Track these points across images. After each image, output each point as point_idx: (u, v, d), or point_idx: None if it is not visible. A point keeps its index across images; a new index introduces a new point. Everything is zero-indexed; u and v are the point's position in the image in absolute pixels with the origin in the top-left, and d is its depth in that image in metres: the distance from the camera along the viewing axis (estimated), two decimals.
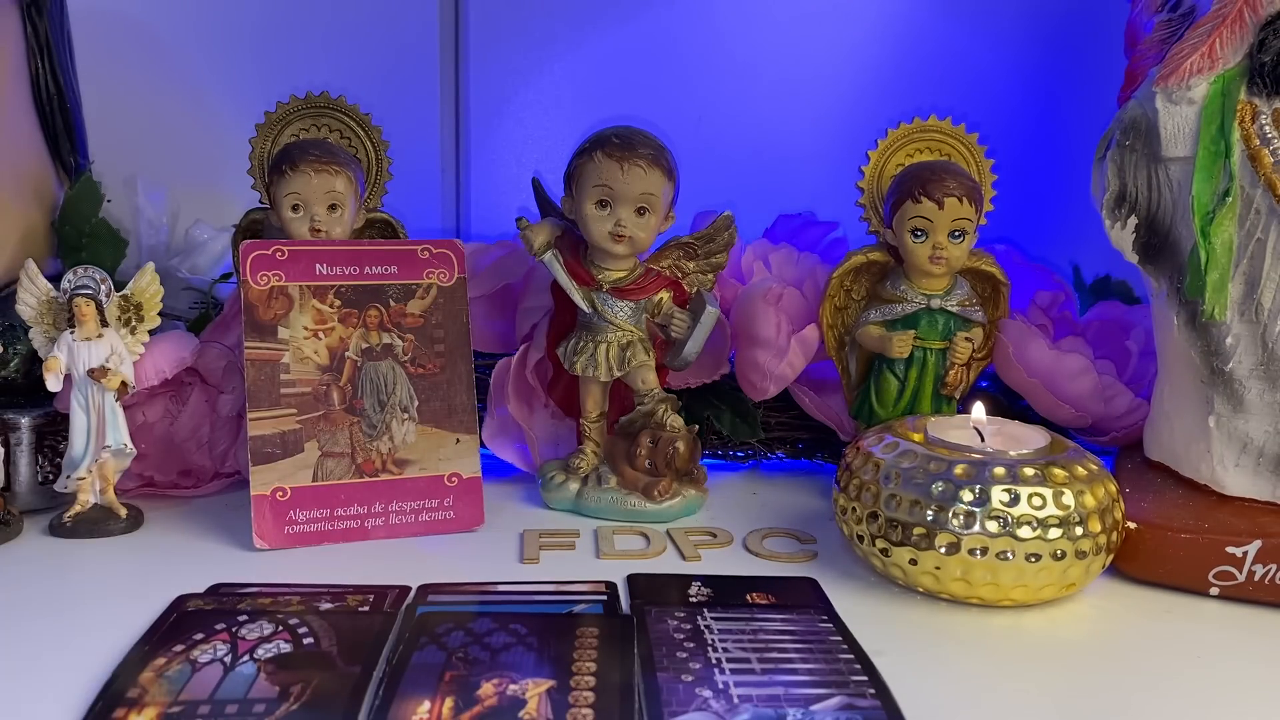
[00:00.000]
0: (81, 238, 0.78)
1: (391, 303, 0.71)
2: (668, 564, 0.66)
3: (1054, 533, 0.58)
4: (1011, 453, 0.61)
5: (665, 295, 0.74)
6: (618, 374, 0.74)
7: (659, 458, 0.73)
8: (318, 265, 0.70)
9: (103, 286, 0.68)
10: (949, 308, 0.75)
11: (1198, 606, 0.62)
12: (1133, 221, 0.67)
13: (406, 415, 0.70)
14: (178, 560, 0.65)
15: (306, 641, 0.52)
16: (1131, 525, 0.63)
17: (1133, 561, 0.63)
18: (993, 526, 0.58)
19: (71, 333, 0.67)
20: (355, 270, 0.71)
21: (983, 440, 0.64)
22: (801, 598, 0.60)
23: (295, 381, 0.68)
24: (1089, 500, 0.59)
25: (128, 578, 0.62)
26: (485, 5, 1.00)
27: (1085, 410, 0.79)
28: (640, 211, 0.70)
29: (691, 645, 0.53)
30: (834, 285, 0.78)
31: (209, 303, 0.85)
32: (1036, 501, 0.58)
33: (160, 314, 0.70)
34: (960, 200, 0.72)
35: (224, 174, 0.90)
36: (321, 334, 0.69)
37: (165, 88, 0.97)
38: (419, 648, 0.51)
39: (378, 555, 0.66)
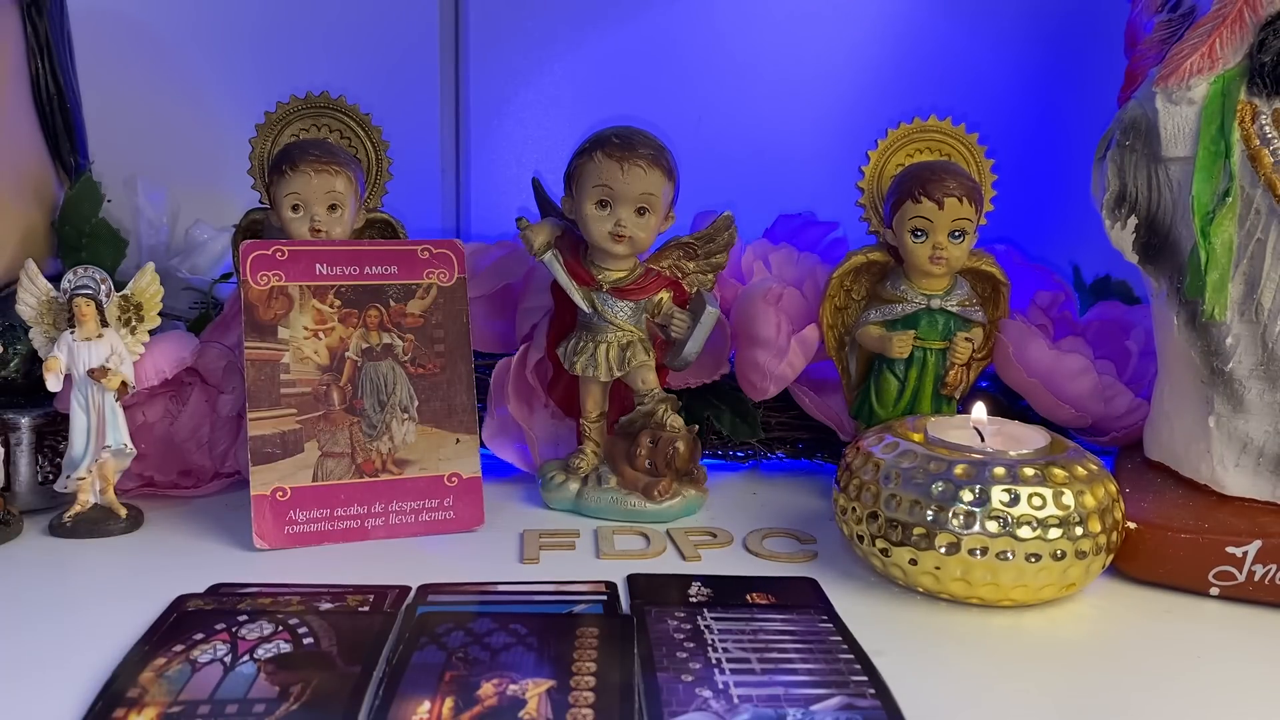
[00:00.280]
0: (81, 238, 0.78)
1: (391, 303, 0.71)
2: (668, 564, 0.66)
3: (1054, 533, 0.58)
4: (1011, 453, 0.61)
5: (665, 295, 0.74)
6: (618, 374, 0.74)
7: (659, 458, 0.73)
8: (318, 265, 0.70)
9: (103, 286, 0.68)
10: (949, 308, 0.75)
11: (1198, 606, 0.62)
12: (1133, 221, 0.67)
13: (406, 415, 0.70)
14: (178, 560, 0.65)
15: (306, 641, 0.52)
16: (1131, 525, 0.63)
17: (1133, 561, 0.63)
18: (993, 526, 0.58)
19: (71, 333, 0.67)
20: (355, 270, 0.71)
21: (983, 440, 0.64)
22: (801, 598, 0.60)
23: (295, 381, 0.68)
24: (1089, 500, 0.59)
25: (128, 578, 0.63)
26: (485, 5, 1.00)
27: (1085, 410, 0.79)
28: (640, 211, 0.70)
29: (691, 645, 0.53)
30: (834, 285, 0.78)
31: (209, 303, 0.85)
32: (1036, 501, 0.58)
33: (160, 314, 0.70)
34: (960, 200, 0.72)
35: (224, 174, 0.90)
36: (321, 334, 0.69)
37: (165, 88, 0.97)
38: (419, 648, 0.51)
39: (378, 555, 0.66)
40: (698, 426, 0.76)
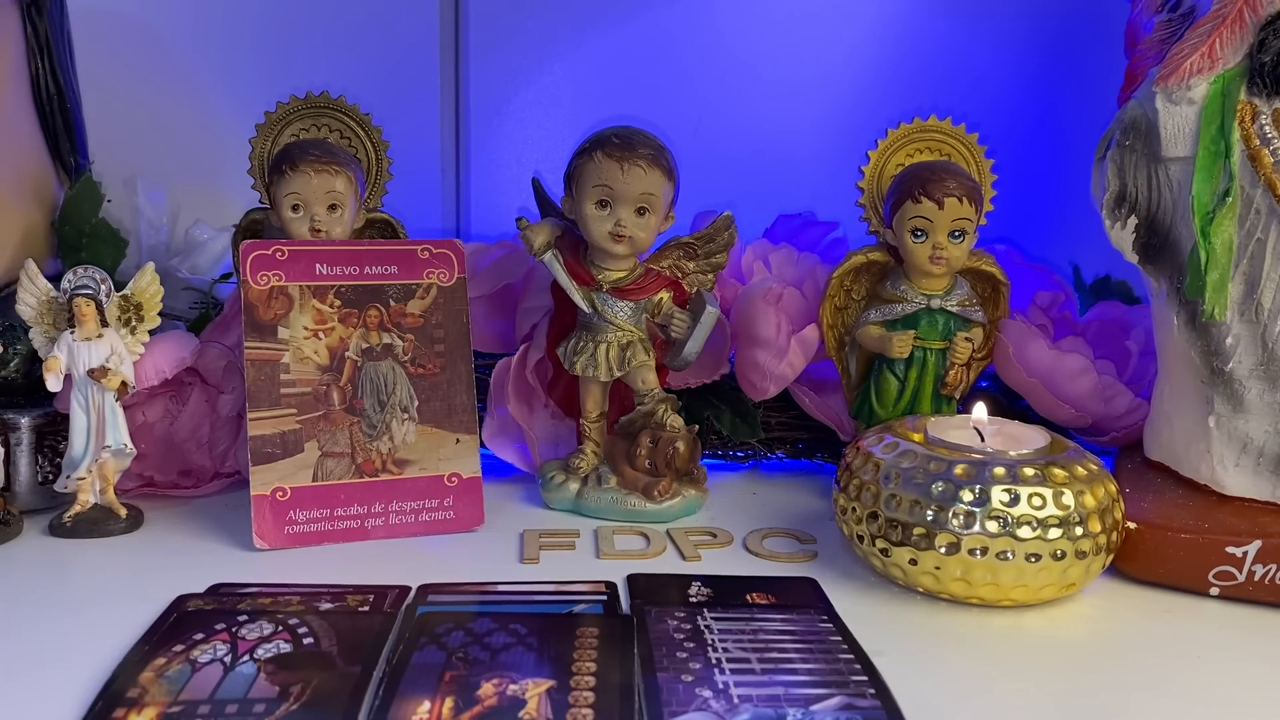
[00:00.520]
0: (81, 238, 0.78)
1: (391, 303, 0.71)
2: (668, 564, 0.66)
3: (1054, 533, 0.58)
4: (1011, 453, 0.61)
5: (665, 295, 0.74)
6: (618, 374, 0.74)
7: (659, 458, 0.73)
8: (318, 265, 0.70)
9: (103, 286, 0.68)
10: (949, 308, 0.75)
11: (1198, 606, 0.62)
12: (1133, 221, 0.67)
13: (406, 415, 0.70)
14: (178, 560, 0.65)
15: (306, 641, 0.52)
16: (1131, 525, 0.63)
17: (1133, 561, 0.63)
18: (993, 526, 0.58)
19: (71, 333, 0.67)
20: (355, 270, 0.71)
21: (983, 440, 0.64)
22: (801, 598, 0.60)
23: (295, 381, 0.68)
24: (1089, 500, 0.59)
25: (128, 578, 0.62)
26: (485, 5, 1.00)
27: (1085, 410, 0.79)
28: (640, 211, 0.70)
29: (691, 645, 0.53)
30: (834, 285, 0.78)
31: (209, 303, 0.85)
32: (1036, 501, 0.58)
33: (160, 314, 0.70)
34: (960, 200, 0.72)
35: (224, 174, 0.90)
36: (321, 334, 0.69)
37: (165, 88, 0.97)
38: (419, 648, 0.51)
39: (378, 555, 0.66)
40: (698, 426, 0.76)
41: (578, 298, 0.73)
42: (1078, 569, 0.59)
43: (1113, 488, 0.61)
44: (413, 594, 0.59)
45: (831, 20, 1.01)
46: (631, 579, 0.62)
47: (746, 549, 0.68)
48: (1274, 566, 0.61)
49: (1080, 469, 0.60)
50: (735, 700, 0.47)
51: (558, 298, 0.77)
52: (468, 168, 1.03)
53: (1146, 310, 0.78)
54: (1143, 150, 0.66)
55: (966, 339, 0.75)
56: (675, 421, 0.74)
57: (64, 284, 0.68)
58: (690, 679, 0.49)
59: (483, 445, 0.77)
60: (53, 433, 0.72)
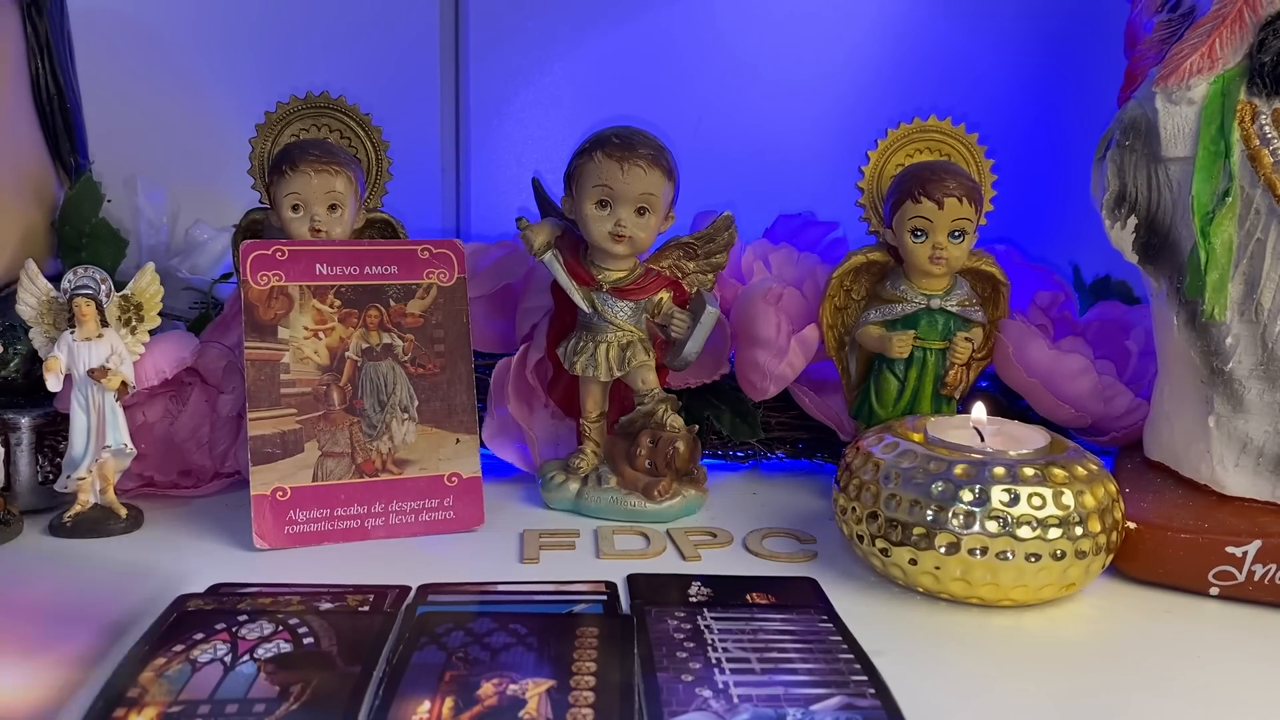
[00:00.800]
0: (81, 238, 0.78)
1: (391, 303, 0.71)
2: (668, 564, 0.66)
3: (1054, 533, 0.58)
4: (1011, 453, 0.61)
5: (665, 295, 0.74)
6: (618, 374, 0.74)
7: (659, 458, 0.73)
8: (318, 265, 0.70)
9: (103, 286, 0.68)
10: (949, 308, 0.75)
11: (1198, 606, 0.62)
12: (1132, 221, 0.67)
13: (406, 415, 0.70)
14: (178, 560, 0.65)
15: (306, 641, 0.52)
16: (1131, 525, 0.63)
17: (1132, 561, 0.63)
18: (992, 526, 0.58)
19: (71, 333, 0.67)
20: (355, 270, 0.71)
21: (982, 440, 0.64)
22: (801, 598, 0.60)
23: (295, 381, 0.68)
24: (1089, 500, 0.59)
25: (128, 578, 0.62)
26: (485, 5, 1.00)
27: (1085, 410, 0.79)
28: (640, 211, 0.70)
29: (691, 645, 0.53)
30: (834, 285, 0.78)
31: (209, 303, 0.85)
32: (1036, 501, 0.58)
33: (160, 314, 0.70)
34: (960, 200, 0.72)
35: (224, 174, 0.90)
36: (321, 334, 0.69)
37: (165, 88, 0.97)
38: (419, 648, 0.51)
39: (378, 555, 0.66)
40: (698, 426, 0.76)
41: (578, 298, 0.73)
42: (1077, 569, 0.59)
43: (1112, 488, 0.61)
44: (413, 594, 0.59)
45: (831, 20, 1.01)
46: (631, 579, 0.62)
47: (746, 549, 0.68)
48: (1274, 566, 0.61)
49: (1080, 469, 0.60)
50: (735, 700, 0.47)
51: (558, 298, 0.77)
52: (468, 168, 1.03)
53: (1146, 310, 0.78)
54: (1143, 150, 0.66)
55: (966, 339, 0.75)
56: (675, 421, 0.74)
57: (64, 284, 0.68)
58: (690, 679, 0.49)
59: (483, 445, 0.77)
60: (53, 433, 0.72)
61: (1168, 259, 0.66)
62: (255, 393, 0.67)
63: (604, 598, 0.59)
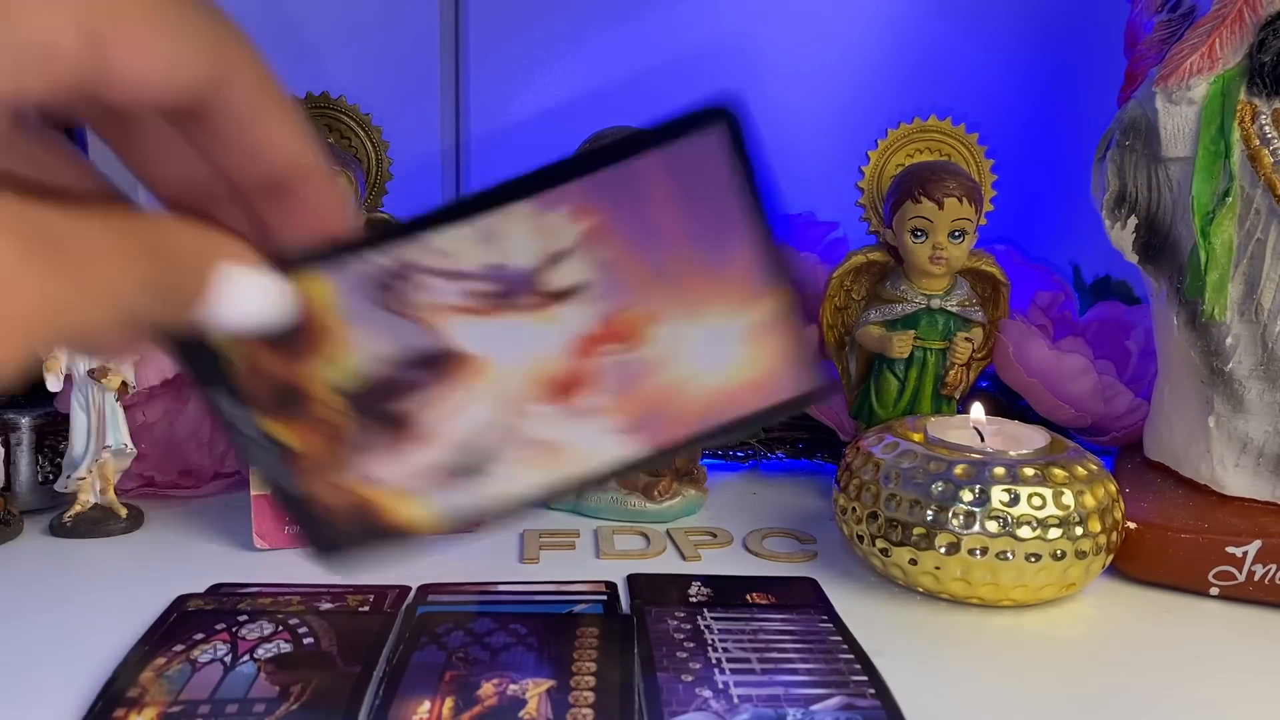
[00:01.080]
0: None
1: None
2: (668, 564, 0.66)
3: (1054, 533, 0.58)
4: (1011, 453, 0.61)
5: None
6: None
7: None
8: None
9: None
10: (949, 308, 0.75)
11: (1198, 607, 0.62)
12: (1132, 221, 0.67)
13: None
14: (178, 560, 0.65)
15: (306, 641, 0.52)
16: (1131, 525, 0.63)
17: (1132, 561, 0.63)
18: (992, 526, 0.58)
19: None
20: None
21: (982, 440, 0.64)
22: (801, 598, 0.60)
23: None
24: (1089, 500, 0.59)
25: (128, 578, 0.62)
26: (485, 5, 1.00)
27: (1085, 410, 0.79)
28: None
29: (691, 645, 0.53)
30: (834, 285, 0.78)
31: None
32: (1036, 501, 0.58)
33: None
34: (960, 200, 0.72)
35: None
36: None
37: None
38: (419, 648, 0.51)
39: None
40: None
41: None
42: (1077, 569, 0.59)
43: (1113, 488, 0.61)
44: (413, 594, 0.59)
45: (831, 19, 1.01)
46: (631, 579, 0.62)
47: (746, 549, 0.68)
48: (1274, 566, 0.61)
49: (1080, 469, 0.60)
50: (735, 700, 0.47)
51: None
52: (468, 168, 1.03)
53: (1146, 310, 0.78)
54: (1142, 150, 0.66)
55: (966, 339, 0.75)
56: None
57: None
58: (690, 679, 0.49)
59: None
60: (53, 433, 0.72)
61: (1168, 259, 0.66)
62: None
63: (604, 598, 0.59)
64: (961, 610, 0.60)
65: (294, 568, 0.63)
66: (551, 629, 0.54)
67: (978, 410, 0.67)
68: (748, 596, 0.60)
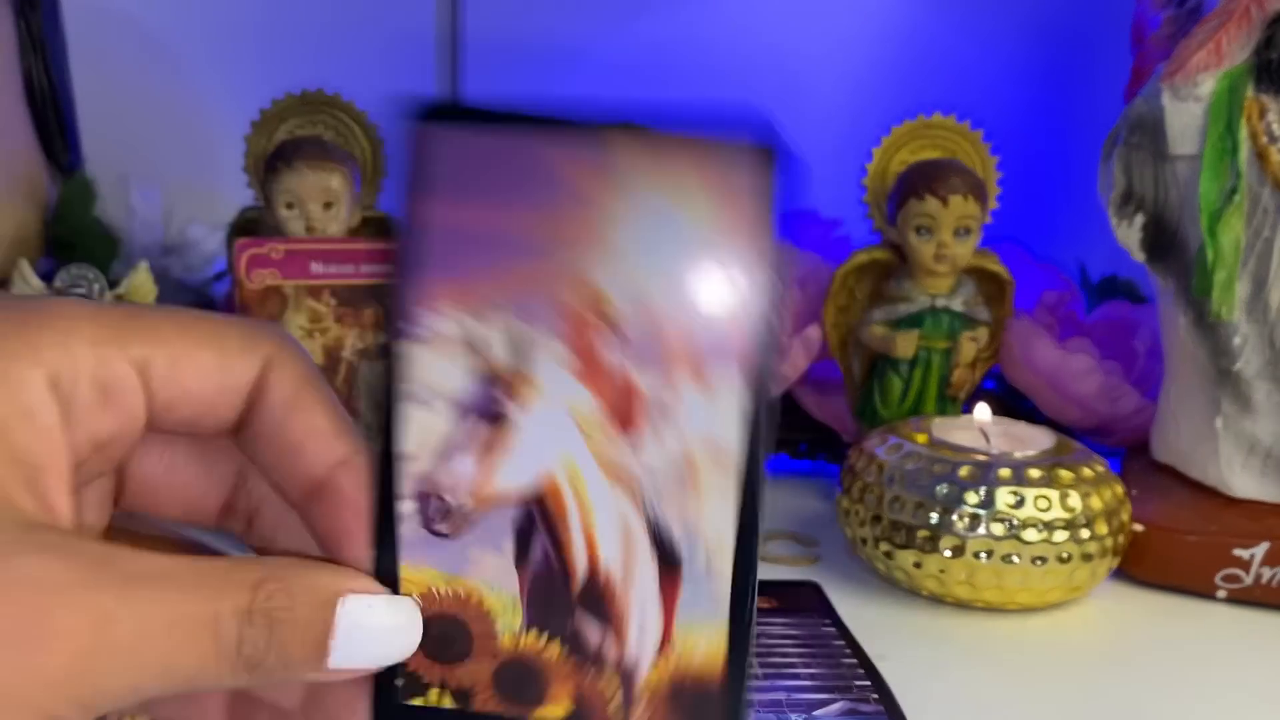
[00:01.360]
0: (74, 236, 0.77)
1: None
2: None
3: (1060, 535, 0.57)
4: (1017, 454, 0.61)
5: None
6: None
7: None
8: (313, 264, 0.69)
9: (96, 285, 0.68)
10: (954, 307, 0.75)
11: (1204, 609, 0.61)
12: (1139, 220, 0.66)
13: None
14: None
15: None
16: (1138, 527, 0.63)
17: (1139, 564, 0.63)
18: (998, 529, 0.57)
19: None
20: (351, 269, 0.70)
21: (988, 441, 0.64)
22: (804, 602, 0.59)
23: None
24: (1095, 502, 0.58)
25: None
26: (484, 3, 1.00)
27: (1091, 411, 0.78)
28: None
29: None
30: (837, 284, 0.78)
31: (203, 302, 0.85)
32: (1042, 504, 0.57)
33: None
34: (965, 198, 0.71)
35: (218, 172, 0.89)
36: (317, 334, 0.69)
37: (159, 85, 0.96)
38: None
39: None
40: None
41: None
42: (1084, 572, 0.58)
43: (1119, 489, 0.61)
44: None
45: (835, 16, 1.01)
46: None
47: None
48: None
49: (1087, 470, 0.59)
50: None
51: None
52: None
53: (1154, 310, 0.78)
54: (1149, 148, 0.65)
55: (972, 339, 0.75)
56: None
57: (57, 283, 0.67)
58: None
59: None
60: None
61: (1175, 257, 0.66)
62: None
63: None
64: (966, 614, 0.59)
65: None
66: None
67: (983, 411, 0.66)
68: None
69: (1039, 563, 0.57)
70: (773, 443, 0.81)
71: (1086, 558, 0.58)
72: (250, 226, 0.76)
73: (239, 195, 0.77)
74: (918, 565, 0.59)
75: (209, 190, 0.92)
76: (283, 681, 0.27)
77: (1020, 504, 0.57)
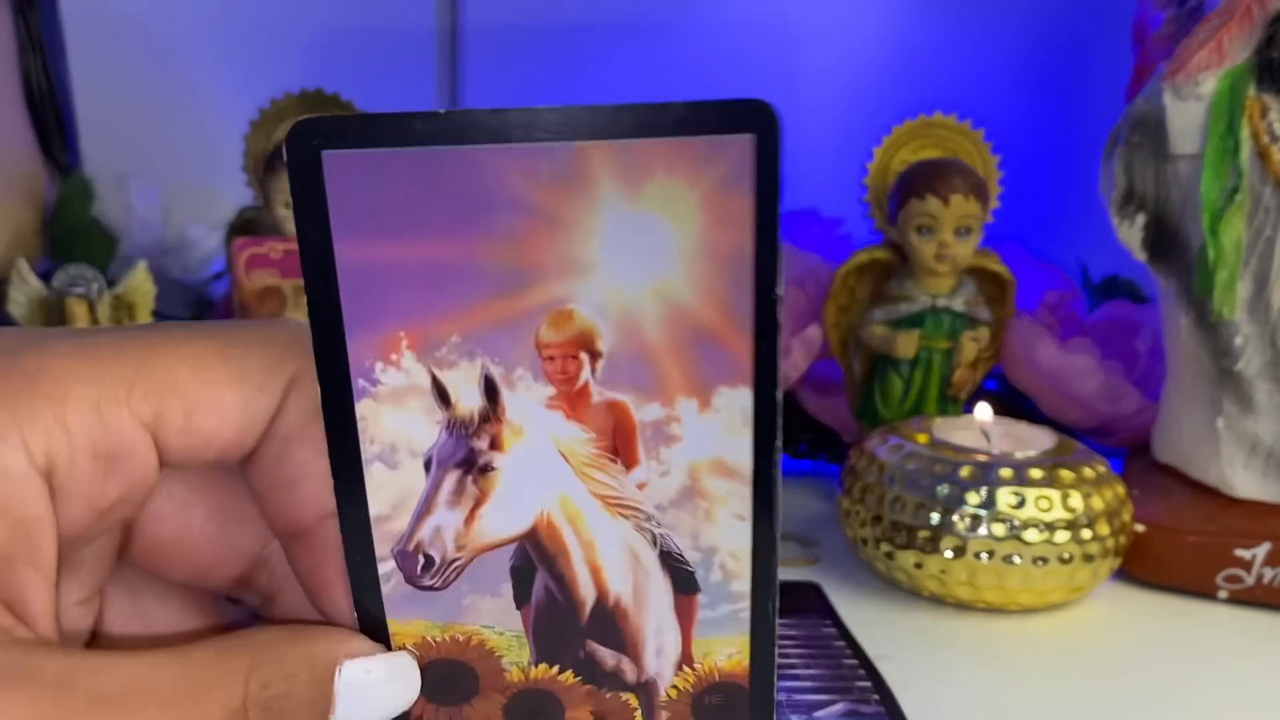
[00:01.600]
0: (73, 236, 0.77)
1: None
2: None
3: (1061, 535, 0.57)
4: (1018, 454, 0.60)
5: None
6: None
7: None
8: None
9: (94, 285, 0.67)
10: (955, 307, 0.74)
11: (1206, 610, 0.61)
12: (1141, 219, 0.66)
13: None
14: None
15: None
16: (1139, 528, 0.62)
17: (1140, 564, 0.63)
18: (999, 529, 0.57)
19: None
20: None
21: (989, 441, 0.64)
22: (804, 603, 0.59)
23: None
24: (1097, 503, 0.58)
25: None
26: (484, 3, 1.00)
27: (1093, 411, 0.78)
28: None
29: None
30: (838, 284, 0.77)
31: (202, 302, 0.85)
32: (1044, 504, 0.57)
33: (153, 313, 0.70)
34: (966, 197, 0.71)
35: (217, 172, 0.89)
36: None
37: (158, 84, 0.96)
38: None
39: None
40: None
41: None
42: (1085, 572, 0.58)
43: (1121, 490, 0.61)
44: None
45: (835, 15, 1.01)
46: None
47: None
48: None
49: (1088, 471, 0.59)
50: None
51: None
52: None
53: (1155, 310, 0.78)
54: (1150, 147, 0.65)
55: (973, 339, 0.75)
56: None
57: (55, 283, 0.67)
58: None
59: None
60: None
61: (1176, 257, 0.66)
62: None
63: None
64: (967, 614, 0.59)
65: None
66: None
67: (984, 411, 0.66)
68: None
69: (1040, 563, 0.57)
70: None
71: (1088, 558, 0.58)
72: (249, 226, 0.75)
73: (238, 195, 0.77)
74: (919, 566, 0.59)
75: (208, 190, 0.92)
76: None
77: (1021, 504, 0.57)
